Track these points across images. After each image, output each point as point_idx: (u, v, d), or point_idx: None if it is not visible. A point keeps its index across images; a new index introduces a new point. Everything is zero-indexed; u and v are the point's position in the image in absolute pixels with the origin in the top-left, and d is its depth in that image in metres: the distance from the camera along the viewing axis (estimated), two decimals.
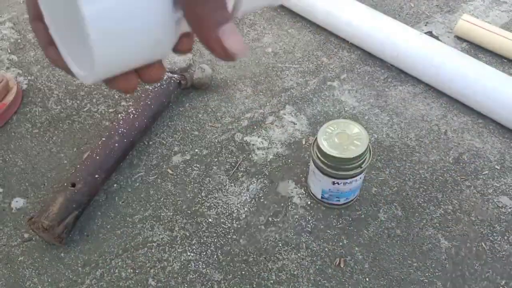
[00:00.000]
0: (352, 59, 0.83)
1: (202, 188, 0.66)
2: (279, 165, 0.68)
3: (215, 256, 0.60)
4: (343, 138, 0.55)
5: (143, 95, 0.71)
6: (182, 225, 0.62)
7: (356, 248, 0.60)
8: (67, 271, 0.59)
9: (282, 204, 0.64)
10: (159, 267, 0.59)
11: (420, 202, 0.64)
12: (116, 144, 0.65)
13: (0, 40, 0.88)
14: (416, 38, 0.77)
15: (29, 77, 0.81)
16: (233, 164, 0.69)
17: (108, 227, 0.63)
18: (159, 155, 0.70)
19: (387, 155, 0.69)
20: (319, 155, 0.56)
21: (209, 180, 0.67)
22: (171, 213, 0.64)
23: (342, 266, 0.58)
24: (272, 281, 0.57)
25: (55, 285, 0.58)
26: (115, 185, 0.67)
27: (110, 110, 0.76)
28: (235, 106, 0.77)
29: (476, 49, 0.83)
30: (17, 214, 0.64)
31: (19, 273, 0.59)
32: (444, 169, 0.67)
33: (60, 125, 0.74)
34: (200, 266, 0.59)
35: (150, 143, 0.71)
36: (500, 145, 0.70)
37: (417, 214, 0.63)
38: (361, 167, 0.56)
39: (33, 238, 0.62)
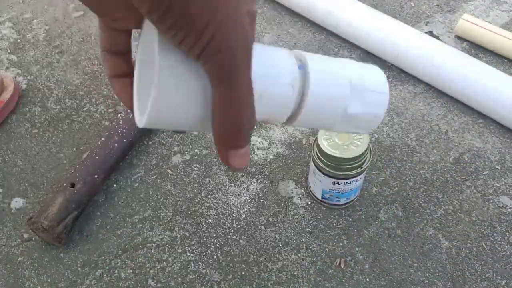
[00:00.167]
0: (352, 59, 0.83)
1: (202, 188, 0.66)
2: (279, 165, 0.68)
3: (215, 256, 0.59)
4: (344, 138, 0.55)
5: None
6: (182, 225, 0.62)
7: (357, 249, 0.60)
8: (66, 271, 0.59)
9: (282, 204, 0.64)
10: (158, 267, 0.59)
11: (421, 202, 0.64)
12: (116, 144, 0.65)
13: (0, 40, 0.88)
14: (416, 37, 0.76)
15: (28, 77, 0.81)
16: None
17: (108, 227, 0.62)
18: (158, 155, 0.70)
19: (387, 155, 0.69)
20: (319, 155, 0.56)
21: (209, 180, 0.67)
22: (171, 213, 0.63)
23: (342, 267, 0.58)
24: (272, 282, 0.57)
25: (55, 286, 0.58)
26: (114, 185, 0.67)
27: (110, 110, 0.76)
28: None
29: (476, 49, 0.83)
30: (16, 214, 0.64)
31: (19, 273, 0.59)
32: (445, 169, 0.67)
33: (60, 125, 0.74)
34: (200, 267, 0.59)
35: (150, 143, 0.71)
36: (500, 145, 0.70)
37: (417, 214, 0.63)
38: (361, 167, 0.56)
39: (33, 238, 0.61)
